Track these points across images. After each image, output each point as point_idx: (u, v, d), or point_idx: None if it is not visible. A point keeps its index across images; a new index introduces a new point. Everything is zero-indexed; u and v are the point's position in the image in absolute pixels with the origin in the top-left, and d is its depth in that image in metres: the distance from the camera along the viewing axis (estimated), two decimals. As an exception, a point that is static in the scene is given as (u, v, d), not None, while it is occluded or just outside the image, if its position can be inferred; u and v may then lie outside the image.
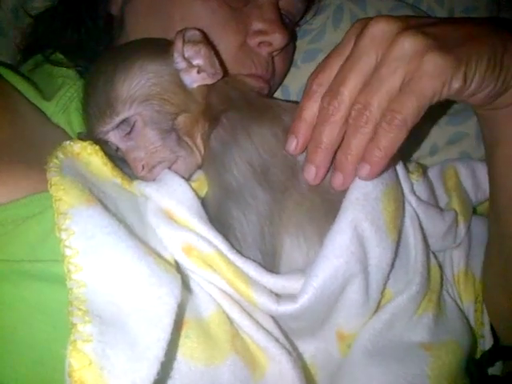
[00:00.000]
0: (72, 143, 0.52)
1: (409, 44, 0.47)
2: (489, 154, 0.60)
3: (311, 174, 0.52)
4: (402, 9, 0.87)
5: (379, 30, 0.48)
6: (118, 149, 0.58)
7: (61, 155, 0.50)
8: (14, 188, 0.50)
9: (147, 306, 0.42)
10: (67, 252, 0.43)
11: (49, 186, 0.46)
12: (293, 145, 0.53)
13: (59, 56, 0.72)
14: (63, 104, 0.64)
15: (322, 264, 0.49)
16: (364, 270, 0.51)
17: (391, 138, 0.46)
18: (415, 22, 0.50)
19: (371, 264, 0.52)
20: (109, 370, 0.38)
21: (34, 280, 0.45)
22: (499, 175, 0.59)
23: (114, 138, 0.56)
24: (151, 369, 0.39)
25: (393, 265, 0.54)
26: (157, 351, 0.40)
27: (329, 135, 0.50)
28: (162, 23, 0.67)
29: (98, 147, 0.52)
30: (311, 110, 0.52)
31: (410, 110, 0.46)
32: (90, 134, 0.58)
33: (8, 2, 0.90)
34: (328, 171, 0.53)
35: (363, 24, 0.50)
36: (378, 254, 0.51)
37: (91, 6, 0.73)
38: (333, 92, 0.50)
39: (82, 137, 0.60)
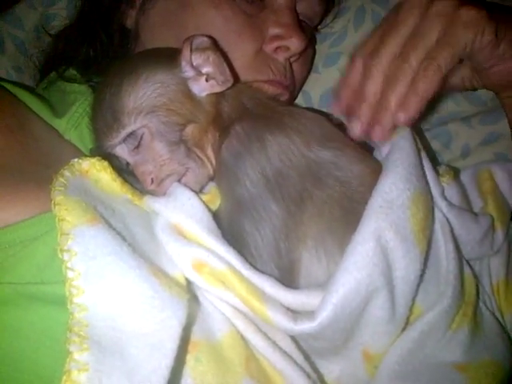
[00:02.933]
0: (80, 161, 0.51)
1: (443, 4, 0.51)
2: None
3: (356, 127, 0.53)
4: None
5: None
6: (128, 163, 0.56)
7: (67, 173, 0.49)
8: (22, 208, 0.49)
9: (149, 330, 0.40)
10: (69, 274, 0.41)
11: (52, 205, 0.45)
12: (339, 104, 0.55)
13: (72, 72, 0.72)
14: (75, 120, 0.64)
15: (342, 278, 0.45)
16: (389, 284, 0.47)
17: (426, 83, 0.49)
18: None
19: (397, 277, 0.48)
20: (104, 402, 0.36)
21: (42, 303, 0.44)
22: None
23: (122, 152, 0.55)
24: None
25: (422, 277, 0.50)
26: (158, 381, 0.38)
27: (371, 90, 0.52)
28: (177, 33, 0.66)
29: (106, 163, 0.51)
30: (354, 79, 0.54)
31: (443, 56, 0.49)
32: (100, 149, 0.56)
33: (29, 22, 0.92)
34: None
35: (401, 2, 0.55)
36: (405, 265, 0.48)
37: (106, 20, 0.73)
38: (375, 51, 0.53)
39: (93, 152, 0.59)
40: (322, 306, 0.45)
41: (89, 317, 0.39)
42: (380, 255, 0.46)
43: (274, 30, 0.66)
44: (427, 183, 0.54)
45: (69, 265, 0.41)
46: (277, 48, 0.66)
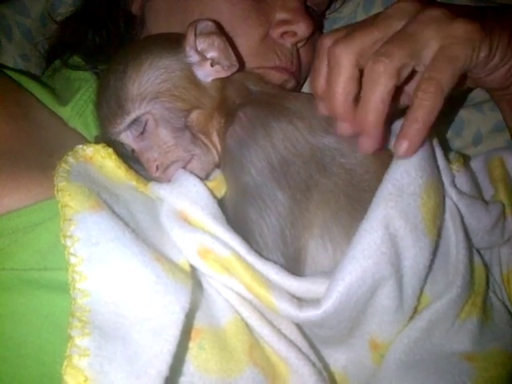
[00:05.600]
0: (84, 147, 0.50)
1: (437, 12, 0.46)
2: None
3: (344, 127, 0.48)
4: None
5: (405, 4, 0.48)
6: (133, 150, 0.56)
7: (71, 160, 0.48)
8: (26, 194, 0.48)
9: (151, 315, 0.39)
10: (72, 260, 0.41)
11: (55, 191, 0.45)
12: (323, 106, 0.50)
13: (77, 60, 0.71)
14: (79, 108, 0.63)
15: (349, 266, 0.45)
16: (397, 273, 0.46)
17: (428, 107, 0.44)
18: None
19: (405, 266, 0.47)
20: (105, 387, 0.35)
21: (44, 290, 0.44)
22: None
23: (126, 138, 0.55)
24: None
25: (431, 266, 0.49)
26: (160, 366, 0.37)
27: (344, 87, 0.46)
28: (182, 19, 0.65)
29: (111, 150, 0.51)
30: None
31: (445, 75, 0.44)
32: (105, 136, 0.56)
33: (36, 10, 0.91)
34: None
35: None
36: (414, 254, 0.47)
37: (112, 6, 0.73)
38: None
39: (98, 139, 0.59)
40: (328, 294, 0.44)
41: (91, 302, 0.39)
42: (388, 243, 0.45)
43: (280, 15, 0.65)
44: (439, 171, 0.53)
45: (71, 250, 0.41)
46: (283, 33, 0.65)
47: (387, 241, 0.45)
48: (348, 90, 0.47)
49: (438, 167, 0.52)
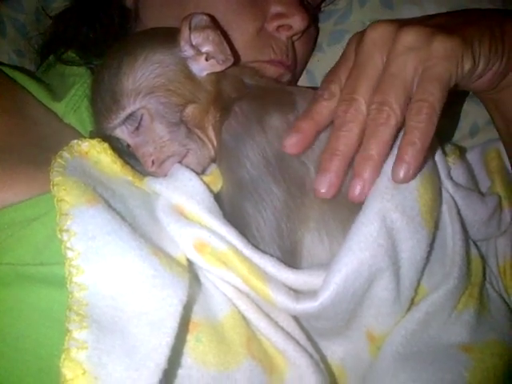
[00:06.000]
0: (80, 142, 0.50)
1: (412, 35, 0.46)
2: (504, 139, 0.58)
3: (325, 183, 0.46)
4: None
5: (378, 32, 0.48)
6: (128, 145, 0.55)
7: (66, 155, 0.48)
8: (20, 190, 0.48)
9: (149, 309, 0.39)
10: (69, 254, 0.41)
11: (51, 186, 0.44)
12: (293, 140, 0.48)
13: (71, 55, 0.71)
14: (74, 103, 0.63)
15: (345, 258, 0.45)
16: (394, 265, 0.46)
17: (423, 128, 0.43)
18: (411, 21, 0.49)
19: (403, 258, 0.47)
20: (104, 379, 0.35)
21: (41, 284, 0.44)
22: None
23: (122, 133, 0.54)
24: (151, 378, 0.36)
25: (428, 258, 0.49)
26: (158, 358, 0.37)
27: (346, 141, 0.46)
28: (176, 13, 0.64)
29: (106, 145, 0.50)
30: (322, 114, 0.49)
31: (434, 95, 0.44)
32: (100, 132, 0.56)
33: (30, 4, 0.91)
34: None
35: (360, 34, 0.49)
36: (411, 246, 0.47)
37: (105, 1, 0.72)
38: (346, 100, 0.47)
39: (93, 135, 0.58)
40: (324, 286, 0.44)
41: (88, 296, 0.39)
42: (385, 236, 0.45)
43: (275, 8, 0.64)
44: (435, 163, 0.53)
45: (68, 245, 0.41)
46: (279, 27, 0.65)
47: (384, 233, 0.45)
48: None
49: (434, 159, 0.52)
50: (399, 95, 0.44)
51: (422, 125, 0.43)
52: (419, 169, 0.45)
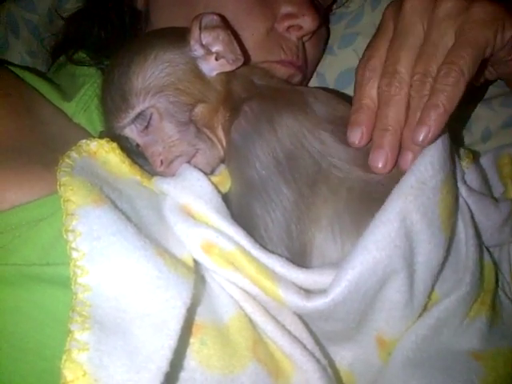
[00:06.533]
0: (88, 142, 0.50)
1: (452, 1, 0.45)
2: None
3: (383, 160, 0.47)
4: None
5: (418, 0, 0.47)
6: (137, 144, 0.55)
7: (74, 155, 0.48)
8: (29, 190, 0.48)
9: (153, 310, 0.39)
10: (74, 254, 0.40)
11: (58, 186, 0.44)
12: (358, 136, 0.49)
13: (81, 55, 0.71)
14: (84, 103, 0.63)
15: (360, 256, 0.44)
16: (409, 267, 0.45)
17: (449, 91, 0.43)
18: None
19: (419, 261, 0.46)
20: (105, 381, 0.35)
21: (46, 284, 0.44)
22: None
23: (131, 133, 0.54)
24: (153, 380, 0.36)
25: (443, 264, 0.48)
26: (160, 361, 0.37)
27: (395, 116, 0.47)
28: (186, 13, 0.64)
29: (115, 145, 0.50)
30: (369, 96, 0.49)
31: (464, 59, 0.43)
32: (109, 131, 0.56)
33: (42, 6, 0.91)
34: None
35: (397, 4, 0.48)
36: (428, 250, 0.46)
37: (117, 2, 0.73)
38: (389, 73, 0.47)
39: (102, 134, 0.58)
40: (336, 282, 0.43)
41: (92, 297, 0.39)
42: (403, 237, 0.44)
43: (286, 9, 0.64)
44: (455, 166, 0.52)
45: (73, 245, 0.40)
46: (289, 27, 0.64)
47: (402, 234, 0.44)
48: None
49: (454, 162, 0.51)
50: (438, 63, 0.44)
51: (448, 88, 0.43)
52: (439, 133, 0.45)
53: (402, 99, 0.46)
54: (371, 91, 0.49)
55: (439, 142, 0.47)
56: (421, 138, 0.44)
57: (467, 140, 0.73)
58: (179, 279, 0.41)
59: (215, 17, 0.55)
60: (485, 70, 0.54)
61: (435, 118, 0.43)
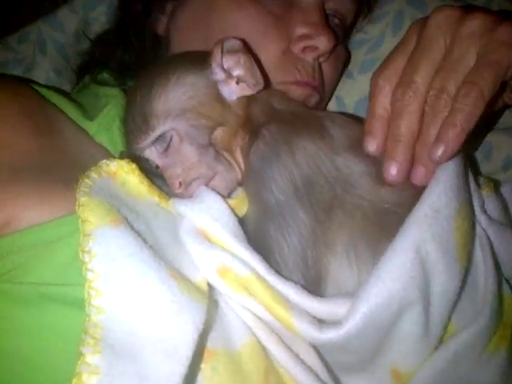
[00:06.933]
0: (108, 162, 0.50)
1: (478, 21, 0.45)
2: None
3: (394, 170, 0.47)
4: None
5: (443, 16, 0.47)
6: (157, 166, 0.56)
7: (94, 175, 0.48)
8: (49, 209, 0.49)
9: (165, 335, 0.39)
10: (89, 275, 0.41)
11: (77, 206, 0.45)
12: (373, 144, 0.49)
13: (105, 76, 0.73)
14: (106, 123, 0.64)
15: (375, 287, 0.43)
16: (424, 299, 0.44)
17: (468, 112, 0.43)
18: (477, 10, 0.47)
19: (435, 292, 0.45)
20: (114, 405, 0.35)
21: (61, 305, 0.44)
22: None
23: (151, 154, 0.55)
24: None
25: (459, 294, 0.47)
26: None
27: (408, 127, 0.47)
28: (203, 36, 0.66)
29: (134, 165, 0.51)
30: (383, 105, 0.49)
31: (485, 80, 0.43)
32: (130, 152, 0.56)
33: (70, 26, 0.94)
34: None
35: (423, 20, 0.49)
36: (444, 281, 0.45)
37: (139, 28, 0.75)
38: (405, 82, 0.47)
39: (123, 155, 0.59)
40: (351, 314, 0.43)
41: (105, 319, 0.39)
42: (418, 268, 0.44)
43: (301, 30, 0.64)
44: (471, 194, 0.51)
45: (89, 266, 0.41)
46: (304, 48, 0.64)
47: (417, 264, 0.44)
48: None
49: (470, 190, 0.50)
50: (459, 82, 0.44)
51: (466, 107, 0.43)
52: (456, 152, 0.44)
53: (416, 111, 0.46)
54: (384, 100, 0.49)
55: (452, 168, 0.47)
56: (438, 155, 0.44)
57: (488, 168, 0.72)
58: (192, 303, 0.40)
59: (237, 41, 0.56)
60: (503, 94, 0.53)
61: (453, 137, 0.43)
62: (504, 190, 0.62)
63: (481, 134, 0.66)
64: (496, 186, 0.60)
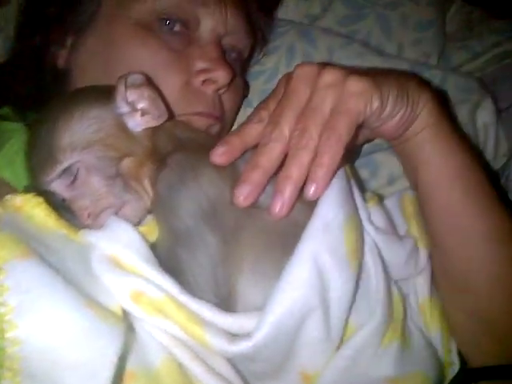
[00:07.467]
0: (13, 197, 0.50)
1: (331, 74, 0.53)
2: (413, 183, 0.64)
3: (244, 193, 0.51)
4: (352, 44, 0.89)
5: (303, 70, 0.55)
6: (64, 199, 0.56)
7: (0, 210, 0.48)
8: None
9: (84, 360, 0.40)
10: (1, 309, 0.40)
11: None
12: (220, 150, 0.53)
13: (6, 111, 0.71)
14: (9, 158, 0.63)
15: (279, 297, 0.47)
16: (323, 304, 0.49)
17: (331, 154, 0.50)
18: (333, 65, 0.56)
19: (332, 297, 0.50)
20: None
21: None
22: (428, 200, 0.62)
23: (58, 187, 0.55)
24: None
25: (354, 297, 0.52)
26: None
27: (269, 157, 0.52)
28: (106, 71, 0.68)
29: (41, 199, 0.51)
30: (250, 134, 0.55)
31: (342, 126, 0.50)
32: (36, 186, 0.56)
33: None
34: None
35: (289, 74, 0.56)
36: (340, 286, 0.50)
37: (37, 61, 0.75)
38: (273, 123, 0.53)
39: (28, 189, 0.58)
40: (258, 326, 0.46)
41: (22, 350, 0.39)
42: (316, 276, 0.48)
43: (200, 64, 0.68)
44: (356, 207, 0.58)
45: (0, 300, 0.40)
46: (204, 81, 0.69)
47: (315, 273, 0.48)
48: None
49: (355, 204, 0.57)
50: (318, 124, 0.51)
51: (329, 149, 0.49)
52: (326, 187, 0.50)
53: (280, 145, 0.51)
54: (252, 131, 0.55)
55: (336, 186, 0.53)
56: (311, 193, 0.50)
57: (375, 184, 0.80)
58: (109, 328, 0.42)
59: (140, 75, 0.58)
60: (360, 132, 0.62)
61: (321, 175, 0.49)
62: (388, 202, 0.70)
63: (349, 161, 0.75)
64: (380, 199, 0.67)
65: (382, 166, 0.80)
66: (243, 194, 0.51)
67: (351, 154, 0.56)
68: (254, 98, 0.87)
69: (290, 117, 0.52)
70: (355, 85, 0.52)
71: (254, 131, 0.55)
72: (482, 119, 0.80)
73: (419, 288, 0.62)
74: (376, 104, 0.53)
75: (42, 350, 0.39)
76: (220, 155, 0.53)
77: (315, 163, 0.50)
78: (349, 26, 0.95)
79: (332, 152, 0.49)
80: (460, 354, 0.60)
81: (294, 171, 0.50)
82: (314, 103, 0.52)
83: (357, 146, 0.68)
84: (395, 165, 0.79)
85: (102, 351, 0.40)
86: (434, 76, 0.85)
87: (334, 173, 0.50)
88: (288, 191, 0.50)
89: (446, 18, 1.01)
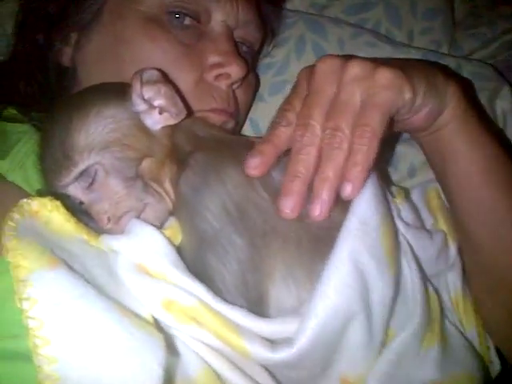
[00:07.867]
0: (29, 201, 0.48)
1: (358, 67, 0.50)
2: (440, 178, 0.62)
3: (289, 204, 0.49)
4: (363, 34, 0.87)
5: (327, 65, 0.51)
6: (81, 202, 0.53)
7: (16, 216, 0.45)
8: None
9: (128, 374, 0.37)
10: (31, 324, 0.38)
11: (5, 252, 0.41)
12: (255, 162, 0.50)
13: (12, 112, 0.68)
14: (19, 160, 0.60)
15: (321, 302, 0.45)
16: (366, 308, 0.47)
17: (366, 151, 0.47)
18: (356, 56, 0.53)
19: (373, 301, 0.47)
20: None
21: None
22: (457, 194, 0.60)
23: (74, 191, 0.52)
24: None
25: (395, 299, 0.50)
26: None
27: (306, 164, 0.49)
28: (114, 68, 0.65)
29: (58, 203, 0.48)
30: (280, 139, 0.51)
31: (375, 121, 0.48)
32: (50, 190, 0.53)
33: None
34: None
35: (310, 67, 0.53)
36: (381, 288, 0.48)
37: (41, 59, 0.71)
38: (303, 126, 0.50)
39: (41, 193, 0.56)
40: (301, 332, 0.44)
41: (59, 368, 0.36)
42: (358, 279, 0.46)
43: (213, 59, 0.66)
44: (390, 205, 0.55)
45: (29, 314, 0.38)
46: (218, 76, 0.66)
47: (356, 276, 0.46)
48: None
49: (389, 202, 0.54)
50: (349, 121, 0.48)
51: (363, 147, 0.47)
52: (362, 185, 0.48)
53: (314, 149, 0.49)
54: (282, 135, 0.51)
55: (371, 184, 0.50)
56: (348, 193, 0.47)
57: (396, 177, 0.78)
58: (150, 339, 0.39)
59: (155, 71, 0.55)
60: (393, 125, 0.59)
61: (357, 175, 0.47)
62: (413, 195, 0.68)
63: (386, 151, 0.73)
64: (406, 193, 0.65)
65: (402, 158, 0.78)
66: (289, 208, 0.48)
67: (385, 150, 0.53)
68: (265, 91, 0.85)
69: (319, 116, 0.49)
70: (386, 77, 0.49)
71: (283, 135, 0.51)
72: (502, 107, 0.79)
73: (451, 283, 0.60)
74: (408, 95, 0.50)
75: (81, 366, 0.37)
76: (255, 168, 0.50)
77: (351, 162, 0.47)
78: (357, 15, 0.92)
79: (367, 149, 0.47)
80: (500, 353, 0.58)
81: (330, 173, 0.47)
82: (342, 99, 0.49)
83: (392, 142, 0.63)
84: (415, 156, 0.77)
85: (147, 365, 0.38)
86: (448, 64, 0.83)
87: (370, 170, 0.48)
88: (326, 193, 0.47)
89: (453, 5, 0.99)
